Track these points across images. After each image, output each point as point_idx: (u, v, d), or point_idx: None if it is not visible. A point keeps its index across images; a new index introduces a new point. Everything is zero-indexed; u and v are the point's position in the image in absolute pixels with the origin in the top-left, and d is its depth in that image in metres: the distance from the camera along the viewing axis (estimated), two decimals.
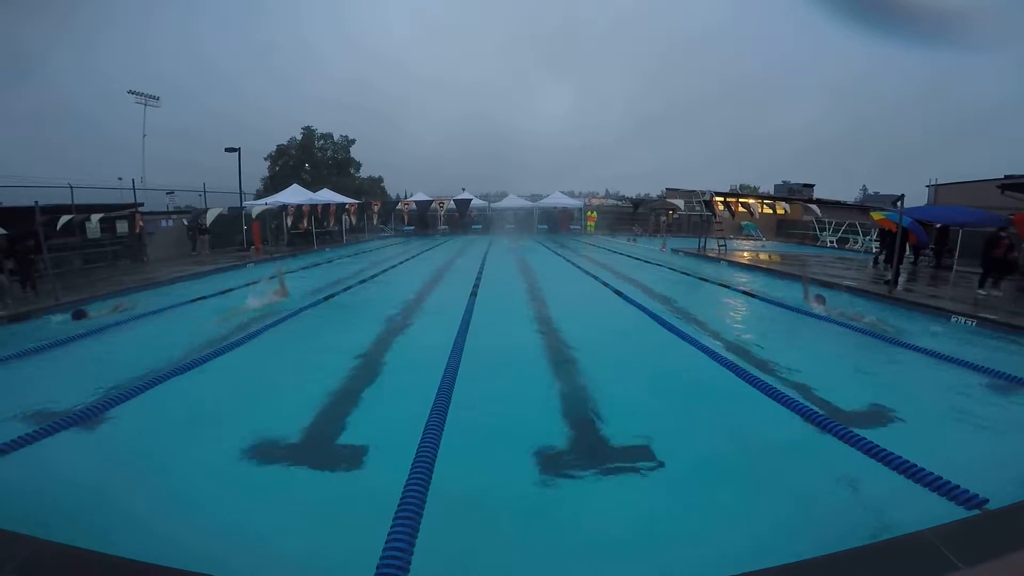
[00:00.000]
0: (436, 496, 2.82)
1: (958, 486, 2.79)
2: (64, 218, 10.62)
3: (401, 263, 15.81)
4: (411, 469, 3.04)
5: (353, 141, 37.84)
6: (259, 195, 26.93)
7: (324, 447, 3.69)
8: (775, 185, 43.31)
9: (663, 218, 29.55)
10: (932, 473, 2.94)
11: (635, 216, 29.78)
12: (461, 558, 2.55)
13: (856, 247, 21.43)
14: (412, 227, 30.60)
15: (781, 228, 26.61)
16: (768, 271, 13.37)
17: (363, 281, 11.84)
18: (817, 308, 8.33)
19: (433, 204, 28.22)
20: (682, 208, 21.50)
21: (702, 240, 19.23)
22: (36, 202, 8.63)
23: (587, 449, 3.64)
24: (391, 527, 2.43)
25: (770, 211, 19.22)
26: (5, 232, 8.93)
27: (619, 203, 35.15)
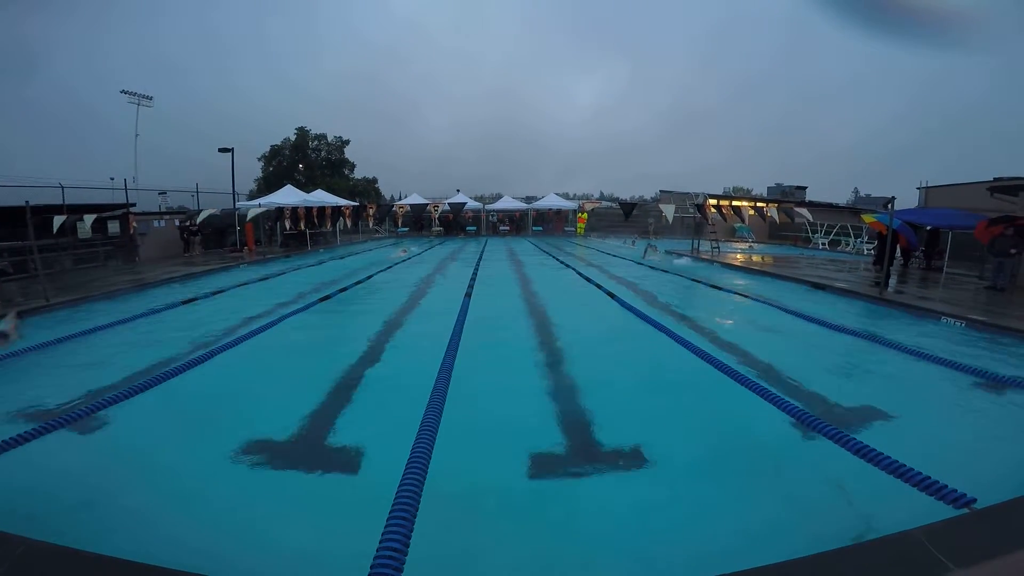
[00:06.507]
0: (431, 495, 2.81)
1: (946, 485, 2.82)
2: (57, 219, 10.51)
3: (398, 264, 15.79)
4: (406, 468, 3.03)
5: (347, 142, 37.71)
6: (252, 195, 26.77)
7: (318, 446, 3.67)
8: (768, 188, 43.72)
9: (651, 220, 29.69)
10: (920, 472, 2.97)
11: (628, 219, 29.85)
12: (455, 557, 2.55)
13: (848, 249, 21.62)
14: (406, 228, 30.61)
15: (774, 230, 26.78)
16: (759, 273, 13.48)
17: (360, 281, 11.82)
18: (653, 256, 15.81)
19: (428, 207, 28.21)
20: (669, 217, 21.46)
21: (695, 242, 19.36)
22: (27, 201, 8.55)
23: (580, 448, 3.65)
24: (385, 526, 2.43)
25: (754, 214, 19.11)
26: None
27: (613, 205, 35.21)
